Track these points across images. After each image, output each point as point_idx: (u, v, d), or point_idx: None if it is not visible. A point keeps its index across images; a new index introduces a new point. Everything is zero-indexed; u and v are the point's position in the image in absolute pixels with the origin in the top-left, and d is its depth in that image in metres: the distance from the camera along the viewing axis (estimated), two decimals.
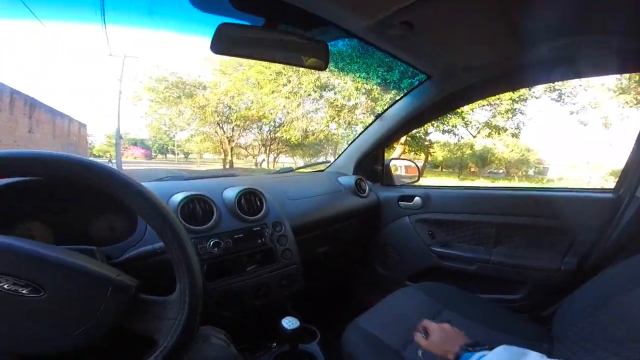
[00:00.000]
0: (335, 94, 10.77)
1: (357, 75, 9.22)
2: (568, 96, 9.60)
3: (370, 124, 1.68)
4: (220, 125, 17.80)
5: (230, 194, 1.05)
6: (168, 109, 16.83)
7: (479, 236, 1.46)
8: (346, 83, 9.84)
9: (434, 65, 1.24)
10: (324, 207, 1.37)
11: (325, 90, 11.47)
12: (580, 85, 9.37)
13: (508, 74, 1.22)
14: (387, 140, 1.69)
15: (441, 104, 1.45)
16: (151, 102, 16.47)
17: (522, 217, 1.35)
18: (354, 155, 1.74)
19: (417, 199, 1.60)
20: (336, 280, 1.86)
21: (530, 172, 18.60)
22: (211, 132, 19.52)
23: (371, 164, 1.77)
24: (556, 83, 9.12)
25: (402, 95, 1.54)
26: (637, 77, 8.28)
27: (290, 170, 1.71)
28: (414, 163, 2.05)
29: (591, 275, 0.87)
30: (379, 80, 8.82)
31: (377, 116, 1.65)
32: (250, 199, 1.08)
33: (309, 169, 1.90)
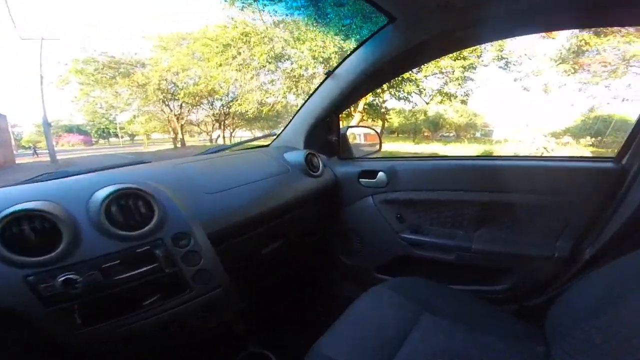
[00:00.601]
0: (291, 63, 10.29)
1: (314, 44, 8.82)
2: (514, 64, 10.05)
3: (320, 85, 1.34)
4: (166, 103, 16.51)
5: (98, 198, 0.70)
6: (102, 91, 15.31)
7: (457, 218, 1.24)
8: (302, 52, 9.37)
9: (398, 3, 0.94)
10: (265, 196, 1.05)
11: (280, 61, 10.91)
12: (525, 54, 9.85)
13: (494, 18, 0.92)
14: (341, 104, 1.37)
15: (407, 55, 1.13)
16: (81, 85, 14.89)
17: (509, 195, 1.12)
18: (303, 125, 1.43)
19: (380, 174, 1.33)
20: (293, 280, 1.60)
21: (478, 134, 19.95)
22: (157, 111, 18.08)
23: (324, 134, 1.46)
24: (504, 51, 9.54)
25: (357, 45, 1.19)
26: (576, 47, 8.93)
27: (224, 149, 1.30)
28: (373, 129, 1.82)
29: (589, 264, 0.77)
30: (336, 49, 8.52)
31: (328, 74, 1.29)
32: (130, 204, 0.72)
33: (252, 144, 1.50)
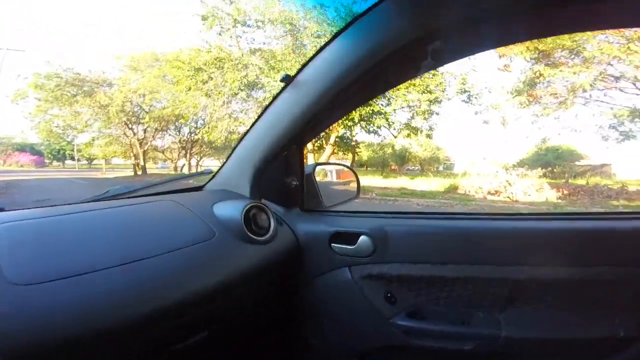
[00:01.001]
0: (264, 92, 10.37)
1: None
2: (475, 97, 10.91)
3: (275, 99, 0.93)
4: (130, 126, 15.88)
5: None
6: (61, 109, 14.49)
7: (476, 297, 0.88)
8: (276, 81, 9.53)
9: None
10: (155, 284, 0.64)
11: (254, 90, 10.99)
12: (485, 88, 10.78)
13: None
14: (309, 128, 0.94)
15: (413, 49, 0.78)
16: (39, 101, 14.06)
17: (561, 269, 0.79)
18: (250, 160, 1.01)
19: (363, 239, 0.91)
20: None
21: (441, 168, 21.05)
22: (119, 134, 17.29)
23: (281, 173, 1.03)
24: (466, 84, 10.35)
25: (334, 32, 0.81)
26: (528, 80, 9.89)
27: (127, 191, 0.91)
28: (349, 168, 1.36)
29: None
30: None
31: (286, 80, 0.89)
32: None
33: (173, 186, 1.06)
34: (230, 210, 0.88)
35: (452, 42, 0.80)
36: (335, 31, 0.83)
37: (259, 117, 0.97)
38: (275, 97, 0.93)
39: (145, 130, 16.40)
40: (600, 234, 0.80)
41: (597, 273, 0.78)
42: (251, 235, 0.85)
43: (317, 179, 1.16)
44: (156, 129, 16.52)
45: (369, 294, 0.96)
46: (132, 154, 18.04)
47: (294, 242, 0.98)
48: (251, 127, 1.00)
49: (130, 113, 14.48)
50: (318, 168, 1.16)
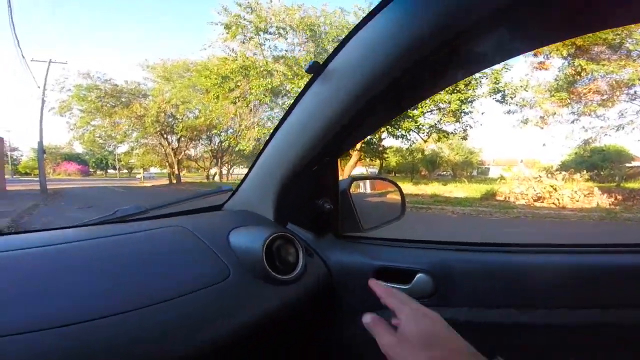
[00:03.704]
0: (289, 98, 10.43)
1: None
2: (510, 97, 10.15)
3: (300, 98, 0.72)
4: (164, 136, 16.67)
5: None
6: (102, 120, 15.44)
7: (579, 348, 0.72)
8: (300, 87, 9.52)
9: None
10: (151, 340, 0.50)
11: (279, 97, 11.09)
12: (521, 86, 9.99)
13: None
14: (347, 132, 0.71)
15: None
16: (82, 112, 15.07)
17: None
18: (273, 176, 0.83)
19: (420, 277, 0.74)
20: None
21: (474, 172, 20.04)
22: (155, 143, 18.17)
23: (313, 190, 0.85)
24: (499, 84, 9.71)
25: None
26: (570, 77, 9.17)
27: (133, 212, 0.80)
28: (391, 181, 1.09)
29: None
30: None
31: (313, 71, 0.64)
32: None
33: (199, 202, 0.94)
34: (249, 241, 0.72)
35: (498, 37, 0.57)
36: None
37: (283, 120, 0.79)
38: (301, 94, 0.72)
39: (179, 140, 17.11)
40: None
41: None
42: (274, 275, 0.68)
43: (355, 187, 0.96)
44: (189, 139, 17.17)
45: None
46: (167, 163, 18.91)
47: (327, 276, 0.81)
48: (273, 133, 0.81)
49: (165, 123, 15.12)
50: (354, 182, 0.96)
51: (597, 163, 11.11)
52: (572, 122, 10.13)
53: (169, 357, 0.52)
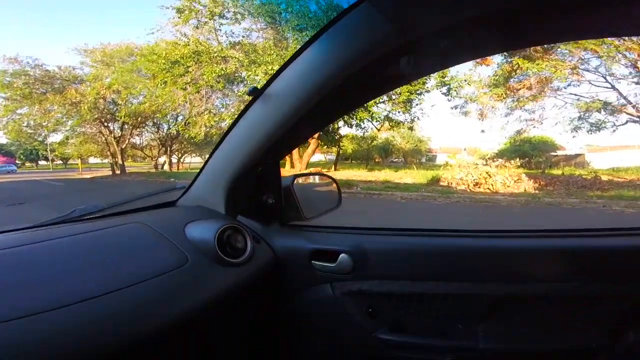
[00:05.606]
0: (245, 86, 10.11)
1: (270, 67, 8.62)
2: (454, 90, 10.94)
3: (244, 112, 0.88)
4: (105, 124, 15.29)
5: None
6: (31, 108, 13.82)
7: (455, 312, 0.92)
8: (257, 75, 9.25)
9: None
10: (122, 318, 0.61)
11: (234, 84, 10.70)
12: (465, 80, 10.83)
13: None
14: (284, 140, 0.90)
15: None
16: (6, 100, 13.39)
17: (540, 284, 0.83)
18: (223, 175, 0.97)
19: (343, 257, 0.93)
20: None
21: (423, 159, 21.37)
22: (94, 132, 16.62)
23: (258, 188, 1.03)
24: (445, 77, 10.44)
25: (317, 30, 0.75)
26: (506, 73, 10.13)
27: (90, 211, 0.86)
28: (330, 177, 1.32)
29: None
30: None
31: (253, 94, 0.82)
32: None
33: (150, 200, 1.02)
34: (203, 232, 0.84)
35: (434, 51, 0.76)
36: (301, 42, 0.76)
37: (231, 128, 0.92)
38: (245, 110, 0.88)
39: (122, 128, 15.84)
40: (574, 251, 0.83)
41: (572, 288, 0.81)
42: (226, 259, 0.82)
43: (300, 181, 1.14)
44: (133, 126, 15.98)
45: (351, 309, 0.98)
46: (109, 153, 17.44)
47: (272, 259, 0.97)
48: (223, 138, 0.94)
49: (105, 110, 13.93)
50: (296, 180, 1.14)
51: (528, 151, 12.48)
52: (506, 115, 11.26)
53: (151, 325, 0.63)
